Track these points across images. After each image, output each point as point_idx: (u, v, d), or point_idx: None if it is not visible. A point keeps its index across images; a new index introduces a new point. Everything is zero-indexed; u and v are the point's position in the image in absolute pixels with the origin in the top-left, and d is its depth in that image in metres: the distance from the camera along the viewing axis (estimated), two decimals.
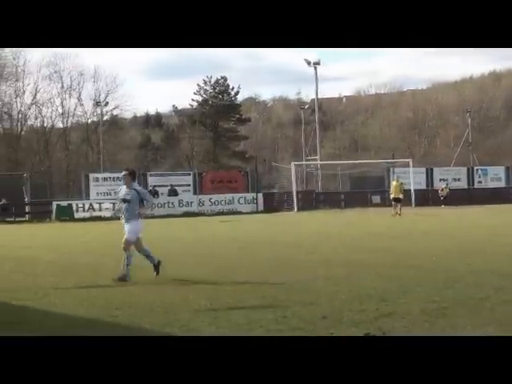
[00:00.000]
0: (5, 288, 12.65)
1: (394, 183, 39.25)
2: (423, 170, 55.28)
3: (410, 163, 51.70)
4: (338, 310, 9.42)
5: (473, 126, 71.92)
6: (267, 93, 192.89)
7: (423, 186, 52.89)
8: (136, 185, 14.16)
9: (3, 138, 70.67)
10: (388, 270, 13.78)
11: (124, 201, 13.80)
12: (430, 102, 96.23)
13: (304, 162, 60.37)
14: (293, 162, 52.75)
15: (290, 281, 12.52)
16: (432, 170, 55.33)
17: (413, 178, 49.53)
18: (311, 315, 9.13)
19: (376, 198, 49.15)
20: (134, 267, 13.60)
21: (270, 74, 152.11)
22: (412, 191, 47.88)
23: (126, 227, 13.71)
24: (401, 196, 38.05)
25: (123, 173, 14.23)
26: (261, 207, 48.03)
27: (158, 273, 13.74)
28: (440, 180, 53.08)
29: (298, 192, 49.47)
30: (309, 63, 59.76)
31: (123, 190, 13.97)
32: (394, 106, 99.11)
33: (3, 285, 13.14)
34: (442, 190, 50.71)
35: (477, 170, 56.69)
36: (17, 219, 44.21)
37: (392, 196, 38.46)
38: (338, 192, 55.53)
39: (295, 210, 47.11)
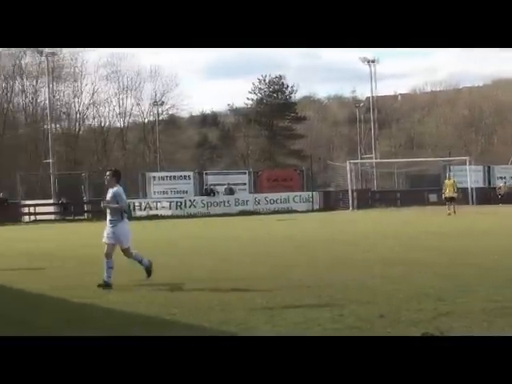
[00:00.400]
0: (65, 286, 12.89)
1: (446, 182, 38.44)
2: (480, 168, 54.56)
3: (467, 161, 51.13)
4: (396, 309, 9.36)
5: None
6: (322, 91, 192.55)
7: (481, 185, 52.24)
8: (117, 187, 13.33)
9: (62, 138, 71.62)
10: (445, 269, 13.65)
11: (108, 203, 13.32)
12: (487, 99, 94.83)
13: (359, 161, 60.05)
14: (348, 161, 52.60)
15: (346, 279, 12.48)
16: (490, 167, 54.60)
17: (470, 177, 49.00)
18: (368, 314, 9.09)
19: (433, 197, 48.54)
20: (185, 266, 13.68)
21: (325, 72, 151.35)
22: (469, 189, 47.40)
23: (116, 233, 13.35)
24: (454, 195, 37.32)
25: (107, 173, 13.70)
26: (316, 206, 48.03)
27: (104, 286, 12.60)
28: (498, 178, 52.44)
29: (353, 190, 49.37)
30: (364, 61, 59.52)
31: (109, 192, 13.46)
32: (451, 103, 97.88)
33: (63, 283, 13.38)
34: (500, 188, 50.08)
35: None
36: (76, 218, 44.99)
37: (445, 195, 37.51)
38: (394, 190, 55.14)
39: (351, 208, 47.03)
